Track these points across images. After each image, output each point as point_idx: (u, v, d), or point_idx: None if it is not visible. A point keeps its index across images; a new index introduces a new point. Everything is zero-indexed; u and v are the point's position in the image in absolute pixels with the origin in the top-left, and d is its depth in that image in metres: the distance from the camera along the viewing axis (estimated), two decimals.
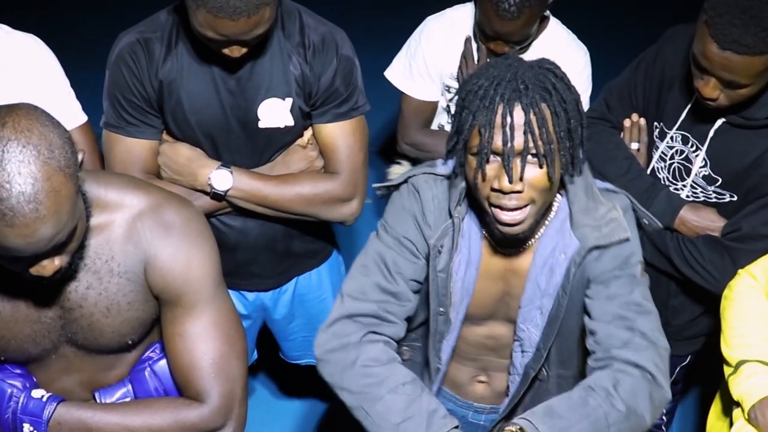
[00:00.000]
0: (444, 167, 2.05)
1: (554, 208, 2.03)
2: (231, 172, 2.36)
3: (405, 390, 1.94)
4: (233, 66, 2.27)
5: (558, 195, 2.02)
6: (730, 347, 2.29)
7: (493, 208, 1.87)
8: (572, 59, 2.85)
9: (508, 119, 1.79)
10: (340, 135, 2.42)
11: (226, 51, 2.14)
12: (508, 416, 2.20)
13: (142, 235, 1.83)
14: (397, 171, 2.25)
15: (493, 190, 1.84)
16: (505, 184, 1.81)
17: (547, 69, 1.87)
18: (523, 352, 2.14)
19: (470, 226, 2.04)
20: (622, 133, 2.75)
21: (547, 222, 2.02)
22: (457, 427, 1.92)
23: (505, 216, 1.86)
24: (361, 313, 2.02)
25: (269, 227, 2.54)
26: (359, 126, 2.46)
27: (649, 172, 2.69)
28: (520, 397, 2.19)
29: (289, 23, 2.33)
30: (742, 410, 2.22)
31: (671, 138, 2.59)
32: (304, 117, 2.40)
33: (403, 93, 2.99)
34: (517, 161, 1.81)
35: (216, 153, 2.40)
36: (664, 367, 1.93)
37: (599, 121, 2.78)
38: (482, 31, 2.73)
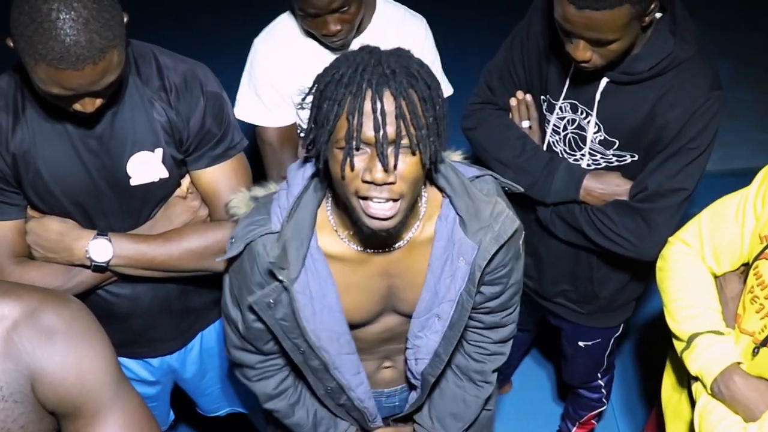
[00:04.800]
0: (278, 219, 1.93)
1: (435, 211, 1.98)
2: (109, 240, 2.20)
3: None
4: (90, 123, 2.09)
5: (435, 195, 1.99)
6: (677, 321, 2.22)
7: (362, 201, 1.76)
8: (412, 32, 2.75)
9: (378, 105, 1.68)
10: (221, 178, 2.28)
11: (77, 107, 1.96)
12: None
13: (21, 349, 1.63)
14: (239, 201, 2.09)
15: (364, 182, 1.73)
16: (378, 175, 1.70)
17: (408, 56, 1.78)
18: (417, 360, 2.16)
19: (316, 263, 1.96)
20: (510, 114, 2.68)
21: (419, 219, 1.97)
22: None
23: (375, 209, 1.75)
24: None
25: (162, 288, 2.39)
26: (240, 165, 2.32)
27: (545, 147, 2.63)
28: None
29: (145, 67, 2.17)
30: (703, 385, 2.15)
31: (560, 109, 2.53)
32: (179, 165, 2.25)
33: (261, 127, 2.81)
34: (390, 150, 1.70)
35: (89, 221, 2.23)
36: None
37: (484, 105, 2.70)
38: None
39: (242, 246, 1.93)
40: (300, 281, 1.94)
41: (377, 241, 1.94)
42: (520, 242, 2.06)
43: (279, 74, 2.73)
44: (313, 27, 2.57)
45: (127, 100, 2.13)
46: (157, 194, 2.26)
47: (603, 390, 3.31)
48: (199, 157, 2.24)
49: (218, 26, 6.85)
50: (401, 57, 1.75)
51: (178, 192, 2.31)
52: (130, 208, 2.25)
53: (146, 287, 2.35)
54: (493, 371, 2.29)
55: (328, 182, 1.89)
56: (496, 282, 2.05)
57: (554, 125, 2.56)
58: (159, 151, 2.18)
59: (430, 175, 1.92)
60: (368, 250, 1.97)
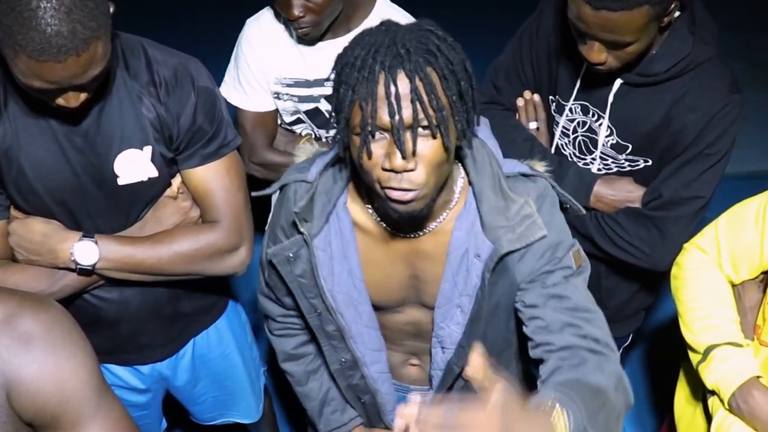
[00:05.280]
0: (316, 171, 1.90)
1: (462, 200, 1.87)
2: (95, 242, 2.09)
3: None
4: (76, 118, 1.98)
5: (463, 178, 1.88)
6: (693, 332, 2.14)
7: (385, 190, 1.68)
8: None
9: (392, 88, 1.58)
10: (213, 178, 2.17)
11: (61, 101, 1.85)
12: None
13: None
14: (304, 151, 2.06)
15: (383, 170, 1.65)
16: (397, 162, 1.61)
17: (428, 30, 1.66)
18: (443, 349, 2.05)
19: (341, 222, 1.91)
20: (517, 114, 2.58)
21: (451, 204, 1.87)
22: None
23: (397, 193, 1.67)
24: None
25: (151, 293, 2.28)
26: (233, 163, 2.20)
27: (553, 150, 2.53)
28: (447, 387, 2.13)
29: (134, 60, 2.06)
30: (720, 399, 2.08)
31: (570, 110, 2.42)
32: (169, 164, 2.14)
33: (238, 109, 2.76)
34: (408, 135, 1.61)
35: (75, 222, 2.12)
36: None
37: (490, 105, 2.59)
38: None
39: (277, 187, 1.95)
40: (321, 237, 1.90)
41: (403, 223, 1.86)
42: (570, 253, 1.86)
43: (259, 58, 2.68)
44: (278, 7, 2.51)
45: (115, 95, 2.02)
46: (146, 194, 2.15)
47: None
48: (190, 156, 2.13)
49: (215, 24, 6.75)
50: (420, 32, 1.64)
51: (168, 192, 2.19)
52: (118, 209, 2.14)
53: (135, 291, 2.25)
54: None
55: (352, 168, 1.81)
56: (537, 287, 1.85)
57: (563, 127, 2.46)
58: (148, 149, 2.07)
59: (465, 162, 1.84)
60: (393, 230, 1.89)
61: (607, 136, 2.36)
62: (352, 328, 2.01)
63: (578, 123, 2.41)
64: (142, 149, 2.07)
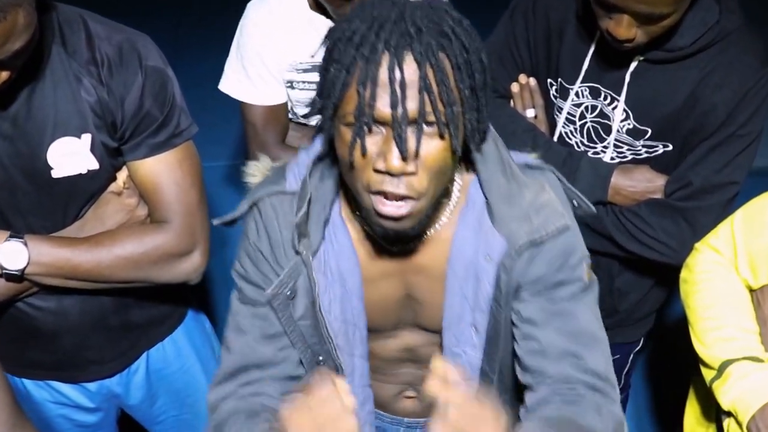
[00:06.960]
0: (294, 179, 1.62)
1: (463, 196, 1.63)
2: (25, 244, 1.85)
3: None
4: (2, 101, 1.76)
5: (467, 175, 1.63)
6: (706, 345, 1.95)
7: (373, 196, 1.43)
8: None
9: (397, 73, 1.35)
10: (163, 171, 1.94)
11: None
12: None
13: None
14: (257, 170, 1.79)
15: (376, 171, 1.40)
16: (394, 163, 1.36)
17: (441, 8, 1.43)
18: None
19: (338, 234, 1.63)
20: (511, 101, 2.36)
21: (448, 210, 1.62)
22: None
23: (388, 207, 1.43)
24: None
25: (94, 301, 2.06)
26: (186, 155, 1.98)
27: (556, 139, 2.32)
28: None
29: (72, 36, 1.83)
30: (738, 422, 1.89)
31: (577, 94, 2.22)
32: (113, 155, 1.92)
33: (245, 104, 2.54)
34: (410, 131, 1.37)
35: (3, 220, 1.91)
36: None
37: None
38: None
39: (247, 206, 1.64)
40: (318, 257, 1.63)
41: (391, 239, 1.60)
42: (584, 263, 1.64)
43: (268, 45, 2.45)
44: None
45: (48, 75, 1.80)
46: (86, 189, 1.93)
47: None
48: (137, 146, 1.91)
49: (202, 15, 6.61)
50: (433, 10, 1.41)
51: (112, 187, 1.97)
52: (53, 205, 1.91)
53: (74, 300, 2.03)
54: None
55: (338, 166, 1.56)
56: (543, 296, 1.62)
57: (568, 113, 2.26)
58: (87, 137, 1.85)
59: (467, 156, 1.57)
60: (383, 242, 1.64)
61: (622, 121, 2.17)
62: (348, 365, 1.77)
63: (586, 108, 2.22)
64: (80, 137, 1.84)
